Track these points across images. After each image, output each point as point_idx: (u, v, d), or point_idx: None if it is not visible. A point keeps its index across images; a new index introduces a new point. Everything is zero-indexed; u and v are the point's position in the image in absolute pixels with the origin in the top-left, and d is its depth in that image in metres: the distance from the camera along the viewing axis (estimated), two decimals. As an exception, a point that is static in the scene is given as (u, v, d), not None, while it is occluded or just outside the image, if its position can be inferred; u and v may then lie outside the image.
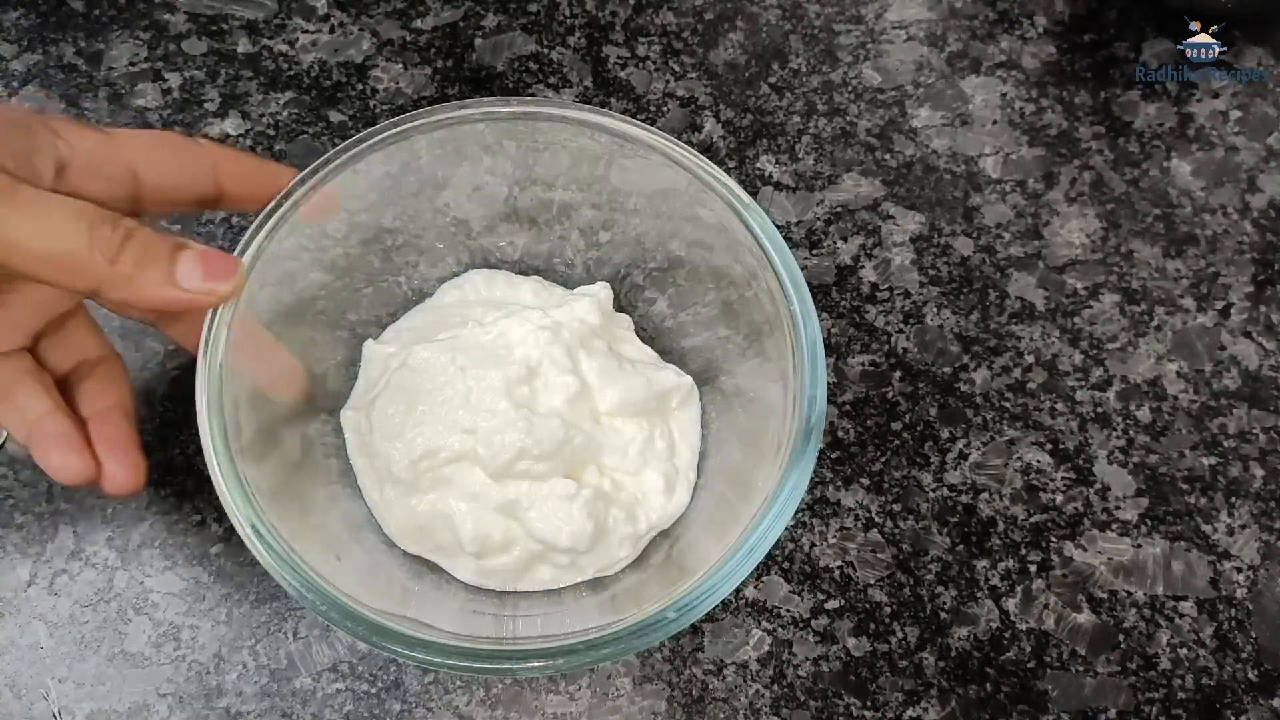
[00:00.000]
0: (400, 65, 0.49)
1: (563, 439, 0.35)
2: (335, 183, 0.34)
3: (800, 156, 0.48)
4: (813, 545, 0.41)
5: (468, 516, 0.36)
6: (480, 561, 0.36)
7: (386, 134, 0.34)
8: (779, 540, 0.34)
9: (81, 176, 0.30)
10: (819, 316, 0.33)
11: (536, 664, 0.30)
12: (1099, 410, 0.44)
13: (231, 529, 0.40)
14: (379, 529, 0.37)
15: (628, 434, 0.37)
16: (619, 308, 0.41)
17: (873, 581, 0.41)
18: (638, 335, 0.41)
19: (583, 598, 0.37)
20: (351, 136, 0.47)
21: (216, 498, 0.30)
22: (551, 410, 0.35)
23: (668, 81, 0.50)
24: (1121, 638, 0.40)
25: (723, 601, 0.31)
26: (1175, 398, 0.44)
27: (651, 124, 0.48)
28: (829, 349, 0.44)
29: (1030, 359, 0.45)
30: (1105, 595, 0.41)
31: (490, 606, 0.37)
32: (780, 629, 0.40)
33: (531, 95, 0.49)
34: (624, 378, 0.37)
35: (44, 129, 0.29)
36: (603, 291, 0.39)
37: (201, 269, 0.29)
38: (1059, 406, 0.44)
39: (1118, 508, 0.42)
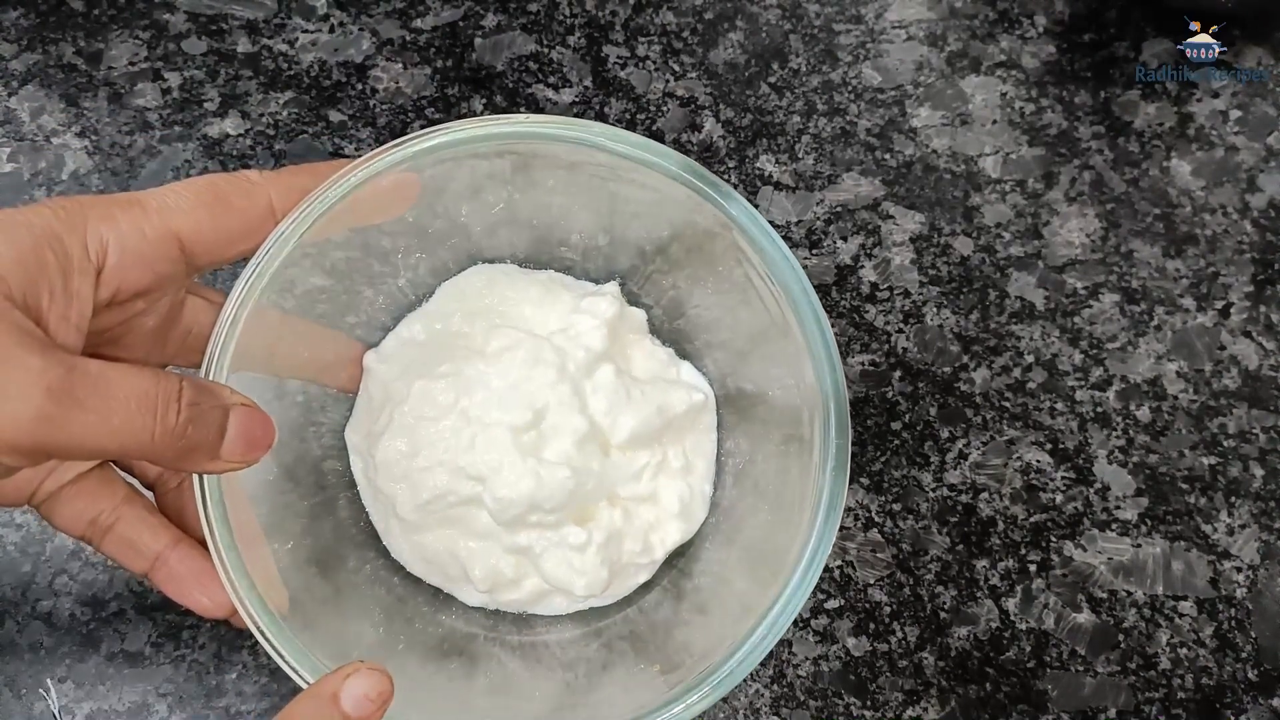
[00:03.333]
0: (400, 65, 0.49)
1: (573, 488, 0.34)
2: (402, 172, 0.33)
3: (800, 156, 0.48)
4: (813, 545, 0.41)
5: (477, 556, 0.35)
6: (492, 597, 0.36)
7: (392, 157, 0.32)
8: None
9: (123, 272, 0.27)
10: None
11: None
12: (1099, 410, 0.44)
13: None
14: (384, 550, 0.37)
15: (641, 460, 0.36)
16: (629, 303, 0.40)
17: (872, 581, 0.41)
18: (651, 330, 0.40)
19: (600, 624, 0.37)
20: (351, 135, 0.47)
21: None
22: (560, 456, 0.34)
23: (668, 81, 0.50)
24: (1121, 637, 0.40)
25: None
26: (1175, 397, 0.44)
27: (651, 124, 0.48)
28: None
29: (1030, 359, 0.45)
30: (1105, 595, 0.41)
31: (505, 624, 0.37)
32: (780, 629, 0.40)
33: (531, 96, 0.49)
34: (634, 409, 0.36)
35: (73, 233, 0.26)
36: (610, 308, 0.37)
37: (242, 445, 0.28)
38: (1059, 406, 0.44)
39: (1118, 507, 0.42)
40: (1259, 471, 0.43)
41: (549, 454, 0.34)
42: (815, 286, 0.45)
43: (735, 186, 0.47)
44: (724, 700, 0.39)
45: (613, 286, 0.39)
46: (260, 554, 0.31)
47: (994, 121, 0.50)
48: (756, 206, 0.47)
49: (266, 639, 0.29)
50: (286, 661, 0.29)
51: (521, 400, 0.35)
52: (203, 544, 0.30)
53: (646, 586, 0.37)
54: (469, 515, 0.35)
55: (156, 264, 0.28)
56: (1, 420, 0.23)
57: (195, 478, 0.29)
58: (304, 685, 0.29)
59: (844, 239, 0.47)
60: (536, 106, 0.49)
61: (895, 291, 0.46)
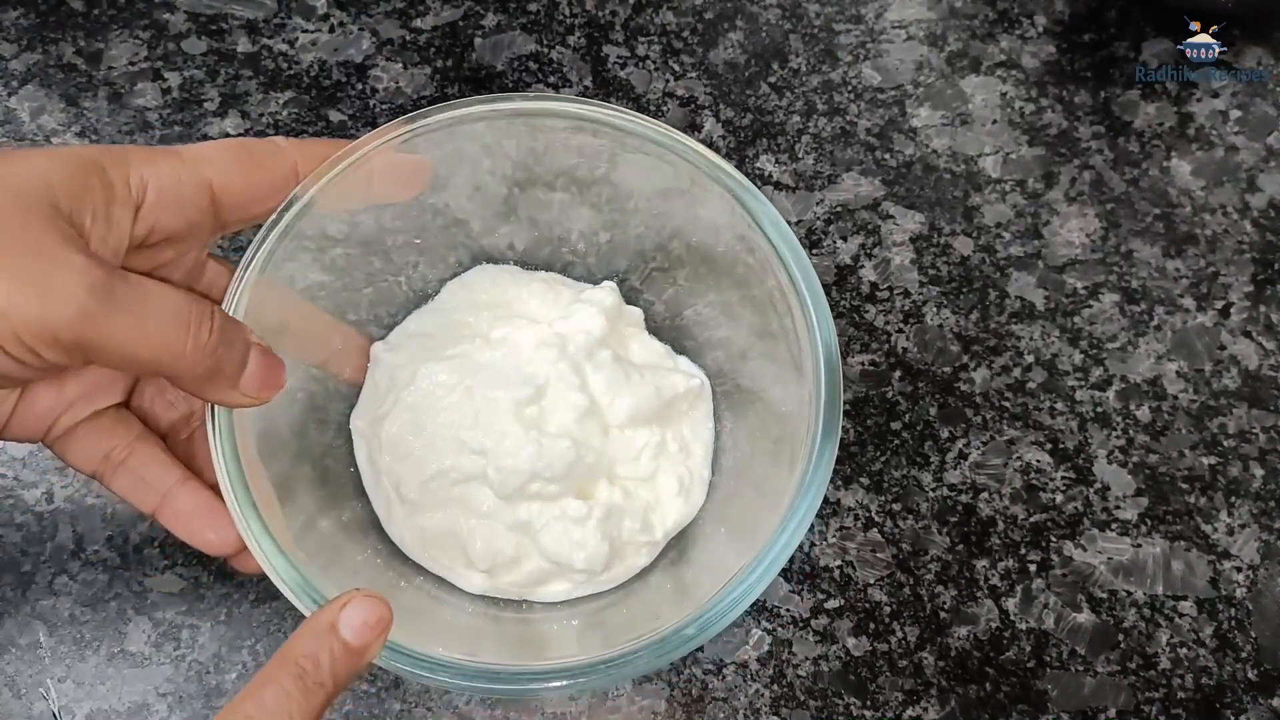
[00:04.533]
0: (400, 65, 0.49)
1: (574, 459, 0.35)
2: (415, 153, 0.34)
3: (800, 156, 0.48)
4: (812, 545, 0.41)
5: (478, 533, 0.35)
6: (492, 579, 0.36)
7: (398, 133, 0.34)
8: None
9: (158, 212, 0.29)
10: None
11: (559, 683, 0.29)
12: (1099, 410, 0.44)
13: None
14: (385, 536, 0.37)
15: (639, 441, 0.37)
16: (628, 302, 0.41)
17: (872, 581, 0.41)
18: (650, 329, 0.41)
19: (599, 602, 0.37)
20: (351, 135, 0.47)
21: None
22: (561, 429, 0.35)
23: (668, 81, 0.50)
24: (1121, 637, 0.40)
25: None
26: (1175, 397, 0.44)
27: (651, 124, 0.48)
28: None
29: (1030, 359, 0.45)
30: (1105, 595, 0.41)
31: (504, 613, 0.37)
32: (780, 628, 0.40)
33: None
34: (632, 389, 0.36)
35: (117, 168, 0.28)
36: (609, 298, 0.39)
37: (259, 380, 0.30)
38: (1059, 406, 0.44)
39: (1117, 507, 0.42)
40: (1259, 471, 0.43)
41: (550, 427, 0.35)
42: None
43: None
44: (724, 700, 0.39)
45: (610, 284, 0.40)
46: (266, 492, 0.32)
47: (994, 121, 0.50)
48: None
49: (272, 568, 0.29)
50: (289, 588, 0.29)
51: (523, 377, 0.36)
52: (212, 489, 0.31)
53: (645, 577, 0.37)
54: (471, 493, 0.35)
55: (188, 210, 0.29)
56: (46, 312, 0.25)
57: (208, 415, 0.30)
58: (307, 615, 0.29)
59: (844, 239, 0.47)
60: (536, 106, 0.49)
61: (895, 291, 0.46)
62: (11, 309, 0.25)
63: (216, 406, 0.30)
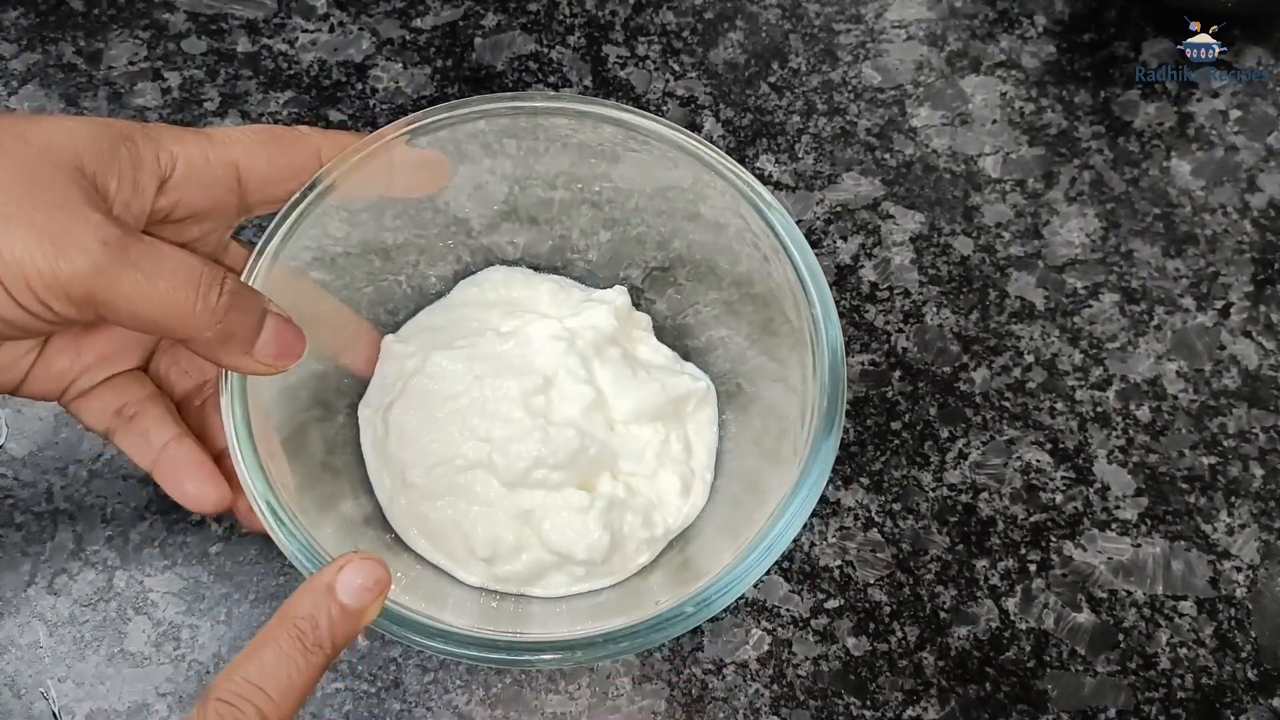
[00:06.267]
0: (400, 64, 0.49)
1: (578, 448, 0.35)
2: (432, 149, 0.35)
3: (800, 156, 0.48)
4: (812, 545, 0.41)
5: (479, 521, 0.36)
6: (491, 568, 0.36)
7: (400, 133, 0.34)
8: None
9: (185, 188, 0.30)
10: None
11: (554, 655, 0.30)
12: (1099, 410, 0.44)
13: (231, 528, 0.40)
14: (388, 525, 0.37)
15: (643, 438, 0.37)
16: (635, 306, 0.41)
17: (872, 581, 0.41)
18: (657, 335, 0.41)
19: (595, 597, 0.37)
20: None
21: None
22: (567, 420, 0.36)
23: (667, 81, 0.50)
24: (1121, 637, 0.40)
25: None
26: (1175, 397, 0.44)
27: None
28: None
29: (1030, 358, 0.45)
30: (1105, 595, 0.41)
31: (502, 602, 0.37)
32: (780, 628, 0.40)
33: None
34: (639, 386, 0.37)
35: (147, 141, 0.29)
36: (619, 298, 0.39)
37: (275, 348, 0.30)
38: (1059, 406, 0.44)
39: (1117, 507, 0.42)
40: (1259, 471, 0.43)
41: (556, 416, 0.36)
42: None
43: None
44: (724, 700, 0.39)
45: (621, 287, 0.40)
46: (274, 454, 0.32)
47: (994, 121, 0.50)
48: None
49: (274, 527, 0.30)
50: (290, 547, 0.30)
51: (532, 366, 0.36)
52: (214, 455, 0.32)
53: (644, 576, 0.37)
54: (475, 481, 0.36)
55: (215, 189, 0.30)
56: (59, 264, 0.25)
57: (221, 380, 0.31)
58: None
59: (844, 239, 0.47)
60: (536, 106, 0.49)
61: (895, 291, 0.46)
62: (25, 258, 0.25)
63: (230, 372, 0.31)
